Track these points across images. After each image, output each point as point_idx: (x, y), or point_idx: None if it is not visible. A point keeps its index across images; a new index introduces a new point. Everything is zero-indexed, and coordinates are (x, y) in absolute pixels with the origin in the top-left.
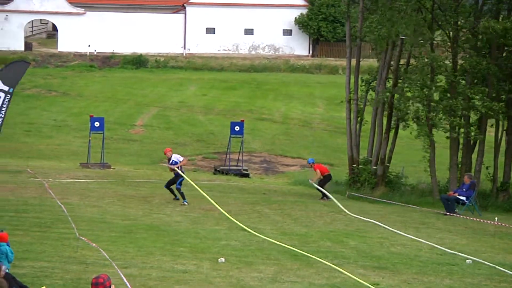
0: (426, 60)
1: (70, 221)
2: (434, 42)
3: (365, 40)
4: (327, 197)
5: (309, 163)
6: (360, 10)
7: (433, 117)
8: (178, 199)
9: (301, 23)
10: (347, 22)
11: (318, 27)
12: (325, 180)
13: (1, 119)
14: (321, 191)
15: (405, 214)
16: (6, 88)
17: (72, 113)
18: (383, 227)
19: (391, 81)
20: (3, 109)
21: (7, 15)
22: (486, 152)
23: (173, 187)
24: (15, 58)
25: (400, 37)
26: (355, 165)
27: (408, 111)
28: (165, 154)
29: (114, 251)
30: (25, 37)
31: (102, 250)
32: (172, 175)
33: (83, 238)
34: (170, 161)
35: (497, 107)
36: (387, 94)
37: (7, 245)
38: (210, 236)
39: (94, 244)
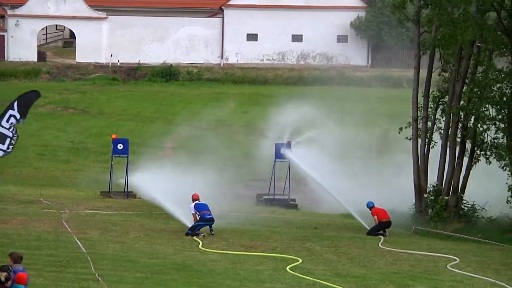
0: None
1: (89, 260)
2: None
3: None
4: (384, 234)
5: (368, 207)
6: (437, 13)
7: None
8: (212, 232)
9: (358, 26)
10: (416, 26)
11: (378, 30)
12: (380, 226)
13: (12, 146)
14: (373, 234)
15: (483, 253)
16: (18, 116)
17: (92, 134)
18: (453, 269)
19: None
20: (15, 135)
21: (18, 21)
22: None
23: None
24: (27, 70)
25: (476, 44)
26: (426, 196)
27: (485, 138)
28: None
29: None
30: (38, 46)
31: None
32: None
33: (101, 280)
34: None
35: None
36: (457, 111)
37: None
38: (252, 277)
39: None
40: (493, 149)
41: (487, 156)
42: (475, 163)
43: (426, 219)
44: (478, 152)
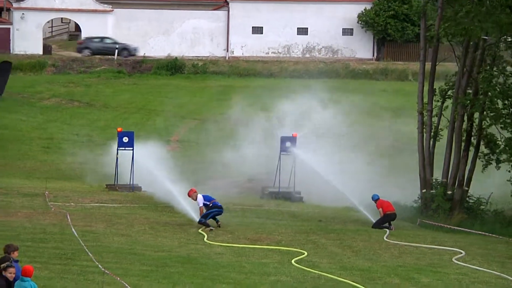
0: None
1: (94, 253)
2: None
3: (443, 42)
4: (389, 227)
5: (373, 200)
6: (440, 5)
7: None
8: (219, 224)
9: (365, 20)
10: (422, 19)
11: (385, 24)
12: (385, 219)
13: None
14: (378, 227)
15: (488, 246)
16: None
17: (97, 127)
18: (459, 262)
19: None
20: None
21: (23, 14)
22: None
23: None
24: (32, 63)
25: (483, 37)
26: (424, 191)
27: (498, 140)
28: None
29: (145, 287)
30: (43, 39)
31: (128, 286)
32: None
33: (109, 272)
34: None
35: None
36: (466, 102)
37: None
38: (257, 270)
39: (118, 278)
40: (507, 149)
41: (501, 159)
42: (486, 166)
43: (431, 212)
44: (491, 156)
